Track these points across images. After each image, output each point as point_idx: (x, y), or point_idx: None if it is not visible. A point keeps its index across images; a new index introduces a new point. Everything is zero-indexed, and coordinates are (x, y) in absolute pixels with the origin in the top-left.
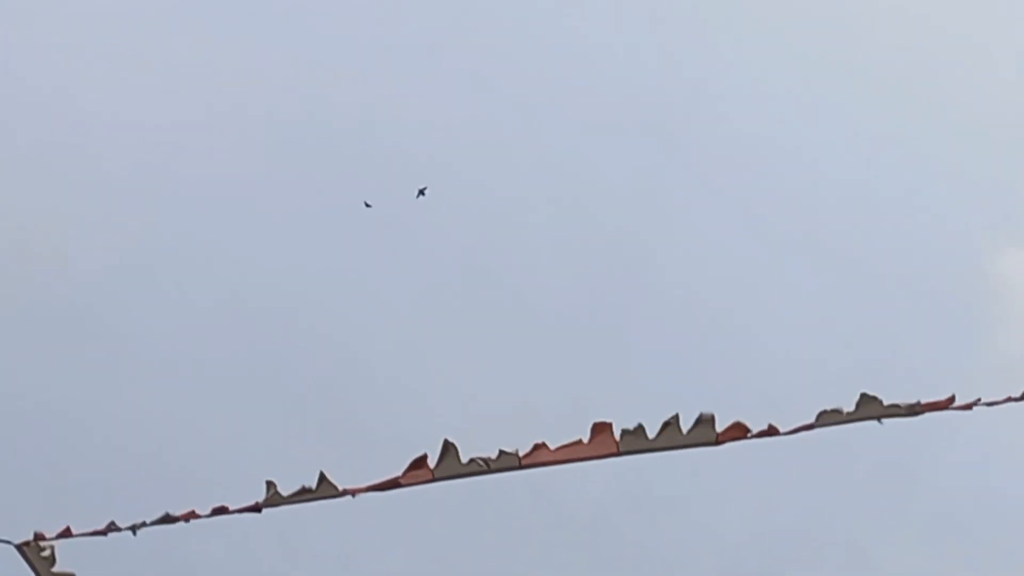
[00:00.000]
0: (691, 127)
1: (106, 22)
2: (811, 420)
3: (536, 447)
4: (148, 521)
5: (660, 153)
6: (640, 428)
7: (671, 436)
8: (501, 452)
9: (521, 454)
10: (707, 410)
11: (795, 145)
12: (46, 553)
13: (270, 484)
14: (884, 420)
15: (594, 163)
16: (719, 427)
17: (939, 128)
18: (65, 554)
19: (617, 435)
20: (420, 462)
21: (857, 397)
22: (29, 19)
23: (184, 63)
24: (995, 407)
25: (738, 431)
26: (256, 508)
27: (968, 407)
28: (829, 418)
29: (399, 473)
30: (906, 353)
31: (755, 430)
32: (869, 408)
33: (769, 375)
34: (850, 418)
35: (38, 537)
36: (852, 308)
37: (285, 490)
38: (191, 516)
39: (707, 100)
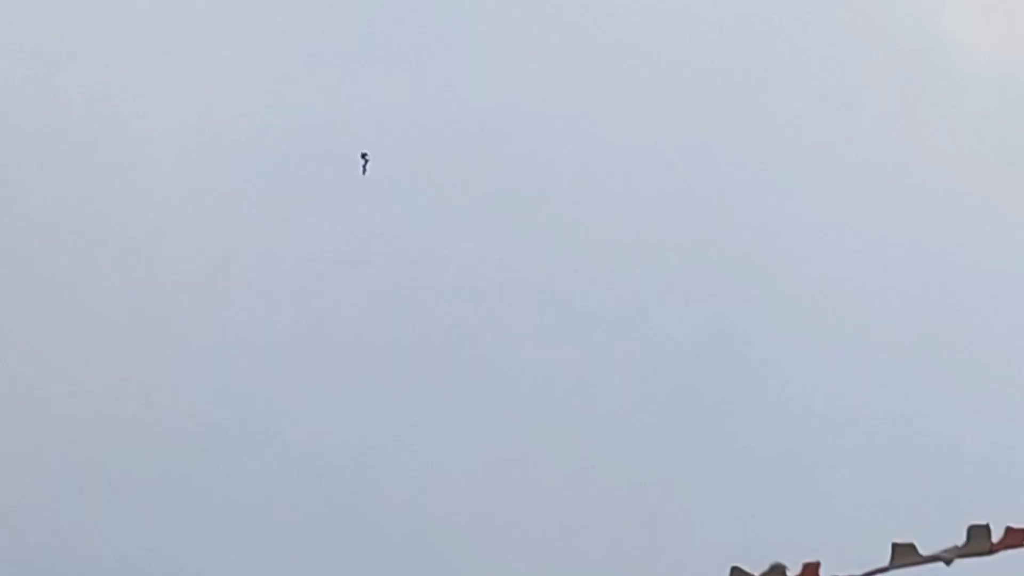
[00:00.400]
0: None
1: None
2: (885, 563)
3: None
4: None
5: (731, 302)
6: None
7: None
8: None
9: None
10: (781, 558)
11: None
12: None
13: None
14: (961, 560)
15: (668, 318)
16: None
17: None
18: None
19: None
20: None
21: (932, 536)
22: (121, 232)
23: (258, 242)
24: None
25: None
26: None
27: None
28: (903, 559)
29: None
30: (979, 487)
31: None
32: (943, 548)
33: (840, 515)
34: (924, 559)
35: None
36: (926, 448)
37: None
38: None
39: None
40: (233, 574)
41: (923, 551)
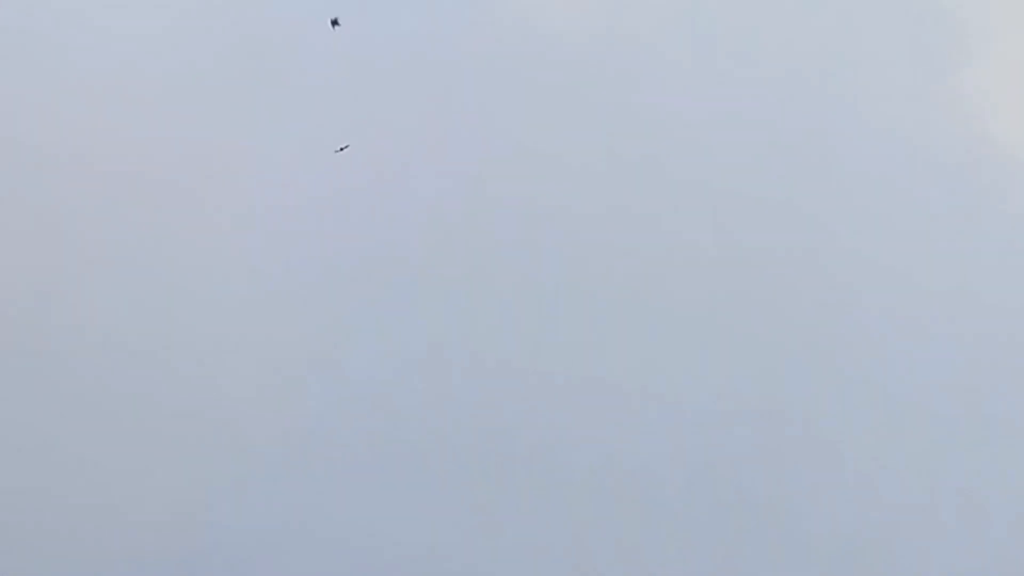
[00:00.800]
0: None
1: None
2: None
3: None
4: None
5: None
6: None
7: None
8: None
9: None
10: None
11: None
12: None
13: None
14: None
15: (730, 433)
16: None
17: None
18: None
19: None
20: None
21: None
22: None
23: (305, 364)
24: None
25: None
26: None
27: None
28: None
29: None
30: None
31: None
32: None
33: None
34: None
35: None
36: (998, 535)
37: None
38: None
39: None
40: None
41: None
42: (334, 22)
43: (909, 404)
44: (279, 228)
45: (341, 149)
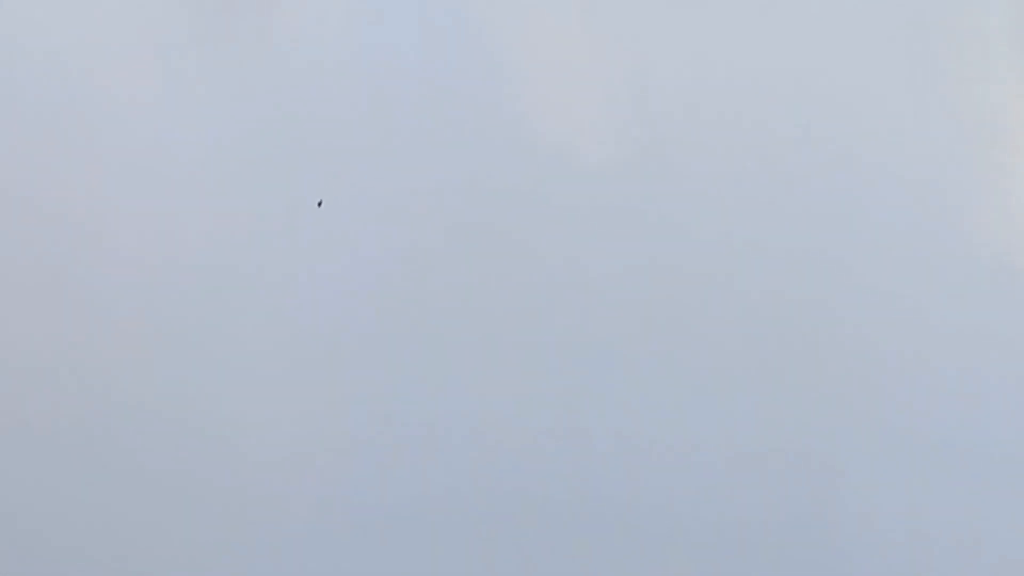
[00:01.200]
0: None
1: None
2: None
3: None
4: None
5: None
6: None
7: None
8: None
9: None
10: None
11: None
12: None
13: None
14: None
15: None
16: None
17: None
18: None
19: None
20: None
21: None
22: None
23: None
24: None
25: None
26: None
27: None
28: None
29: None
30: None
31: None
32: None
33: None
34: None
35: None
36: None
37: None
38: None
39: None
40: None
41: None
42: (319, 204)
43: (925, 453)
44: (300, 303)
45: (319, 204)
